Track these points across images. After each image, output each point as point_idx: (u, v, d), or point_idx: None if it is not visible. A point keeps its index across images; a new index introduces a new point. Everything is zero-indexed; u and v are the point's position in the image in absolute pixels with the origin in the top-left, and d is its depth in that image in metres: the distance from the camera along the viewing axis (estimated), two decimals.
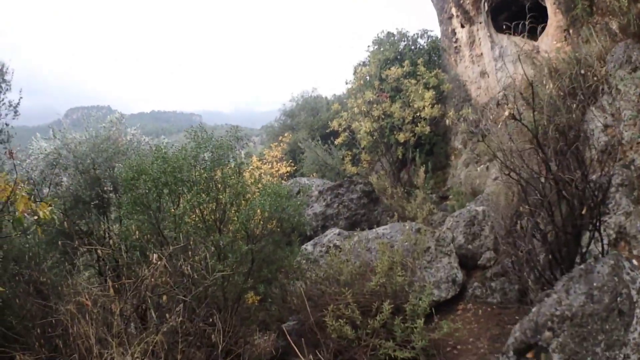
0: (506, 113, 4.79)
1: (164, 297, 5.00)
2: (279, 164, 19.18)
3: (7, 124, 7.26)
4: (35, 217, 4.54)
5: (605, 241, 6.16)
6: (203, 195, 6.77)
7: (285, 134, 22.84)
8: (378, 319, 6.41)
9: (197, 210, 6.80)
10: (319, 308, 7.19)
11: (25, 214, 4.48)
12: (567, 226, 5.58)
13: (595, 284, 4.35)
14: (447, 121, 17.43)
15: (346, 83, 20.83)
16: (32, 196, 6.24)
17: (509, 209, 6.62)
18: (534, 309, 4.48)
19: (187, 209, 6.50)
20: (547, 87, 8.09)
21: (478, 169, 15.17)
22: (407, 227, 9.21)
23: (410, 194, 14.43)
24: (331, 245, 9.36)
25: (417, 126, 16.78)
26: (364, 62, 20.71)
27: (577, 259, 5.75)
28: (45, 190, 7.73)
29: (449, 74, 18.10)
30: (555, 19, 12.29)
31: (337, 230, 10.13)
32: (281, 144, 21.78)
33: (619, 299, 4.27)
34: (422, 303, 6.65)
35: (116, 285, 4.71)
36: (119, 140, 8.64)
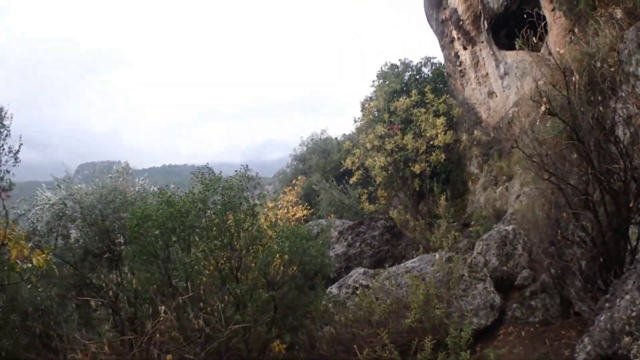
0: (542, 108, 4.37)
1: (168, 357, 4.47)
2: (294, 208, 18.73)
3: (7, 171, 6.79)
4: (30, 265, 4.15)
5: None
6: (216, 241, 6.36)
7: (299, 177, 22.51)
8: (420, 358, 5.85)
9: (210, 259, 6.37)
10: (352, 353, 6.68)
11: (18, 261, 4.10)
12: (613, 223, 5.07)
13: None
14: (461, 146, 17.08)
15: (355, 121, 20.52)
16: (36, 246, 5.83)
17: (548, 219, 6.07)
18: (601, 317, 3.93)
19: (199, 257, 6.07)
20: (574, 79, 7.63)
21: (497, 190, 14.65)
22: (438, 257, 8.69)
23: (432, 225, 13.91)
24: (357, 285, 8.89)
25: (432, 155, 16.34)
26: (370, 97, 20.45)
27: (628, 258, 5.22)
28: (52, 242, 7.38)
29: (457, 99, 17.74)
30: (555, 24, 11.98)
31: (361, 270, 9.68)
32: (295, 188, 21.43)
33: None
34: (464, 334, 6.10)
35: (118, 342, 4.26)
36: (127, 190, 8.29)
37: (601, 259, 5.23)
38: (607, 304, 3.93)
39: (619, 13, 8.28)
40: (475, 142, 16.82)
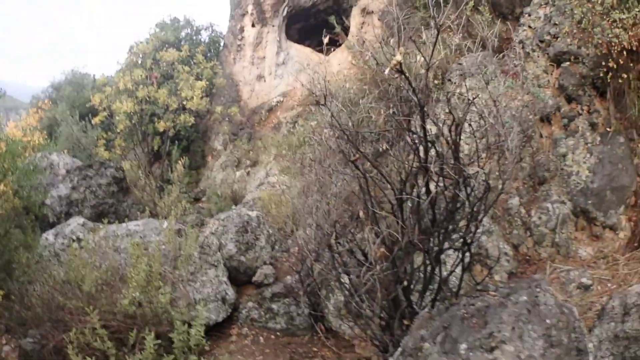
0: (394, 61, 3.29)
1: None
2: (33, 133, 15.37)
3: None
4: None
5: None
6: None
7: (45, 101, 18.91)
8: (141, 358, 4.26)
9: None
10: (62, 325, 4.82)
11: None
12: (426, 240, 4.25)
13: (549, 322, 3.09)
14: (212, 118, 15.85)
15: (118, 63, 17.85)
16: None
17: (326, 214, 4.98)
18: None
19: None
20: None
21: (237, 173, 13.74)
22: (166, 226, 7.09)
23: (162, 189, 12.31)
24: (74, 237, 6.88)
25: (180, 116, 14.72)
26: (141, 42, 18.06)
27: (432, 286, 4.45)
28: None
29: (224, 71, 16.48)
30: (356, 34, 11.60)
31: (81, 220, 7.64)
32: (39, 112, 17.97)
33: (573, 334, 3.15)
34: (195, 332, 4.71)
35: None
36: None
37: (405, 283, 4.35)
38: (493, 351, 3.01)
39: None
40: (227, 119, 15.75)
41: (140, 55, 16.80)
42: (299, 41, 15.55)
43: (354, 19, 13.21)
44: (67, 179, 10.19)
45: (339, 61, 12.72)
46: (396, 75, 3.61)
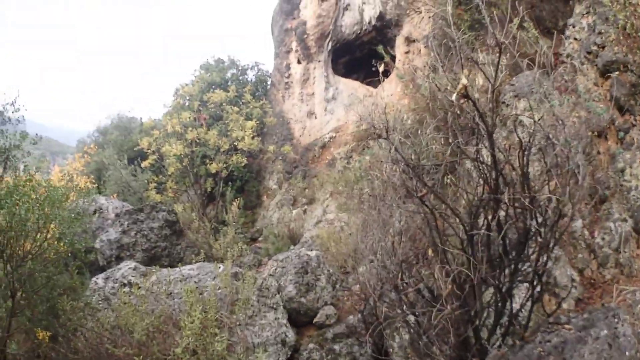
0: (460, 86, 3.06)
1: None
2: (78, 178, 15.58)
3: None
4: None
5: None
6: None
7: (92, 145, 19.27)
8: None
9: None
10: None
11: None
12: (496, 275, 3.93)
13: (628, 354, 2.90)
14: (265, 158, 15.82)
15: (165, 106, 18.13)
16: None
17: (391, 252, 4.70)
18: None
19: None
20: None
21: (294, 211, 13.58)
22: (222, 270, 6.95)
23: (217, 231, 12.24)
24: (126, 282, 6.86)
25: (232, 157, 14.71)
26: (187, 84, 18.22)
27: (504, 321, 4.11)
28: None
29: (274, 110, 16.51)
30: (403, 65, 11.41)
31: (132, 264, 7.70)
32: (85, 157, 18.32)
33: None
34: None
35: None
36: None
37: (477, 321, 4.03)
38: None
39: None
40: (280, 158, 15.71)
41: (187, 98, 16.96)
42: (346, 75, 15.47)
43: (399, 49, 13.05)
44: (116, 223, 10.27)
45: (389, 92, 12.53)
46: (462, 101, 3.36)
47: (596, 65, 7.03)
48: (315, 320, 6.71)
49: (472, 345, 4.16)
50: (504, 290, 3.97)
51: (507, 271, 3.97)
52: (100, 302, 6.82)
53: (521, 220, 3.77)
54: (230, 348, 5.38)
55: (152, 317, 5.63)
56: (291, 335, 6.31)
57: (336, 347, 6.17)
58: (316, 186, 13.38)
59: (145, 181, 16.21)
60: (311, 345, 6.32)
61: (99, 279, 7.43)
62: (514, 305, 4.16)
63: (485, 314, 4.23)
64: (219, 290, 6.42)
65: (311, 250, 8.29)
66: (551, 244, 3.93)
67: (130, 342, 5.10)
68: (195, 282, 7.02)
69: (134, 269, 7.45)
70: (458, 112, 4.20)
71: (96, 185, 16.44)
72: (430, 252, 4.11)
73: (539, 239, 3.89)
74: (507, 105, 7.80)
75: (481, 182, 3.83)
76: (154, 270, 7.42)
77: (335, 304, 6.99)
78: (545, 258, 4.02)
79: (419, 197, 3.89)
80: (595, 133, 6.87)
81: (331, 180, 12.37)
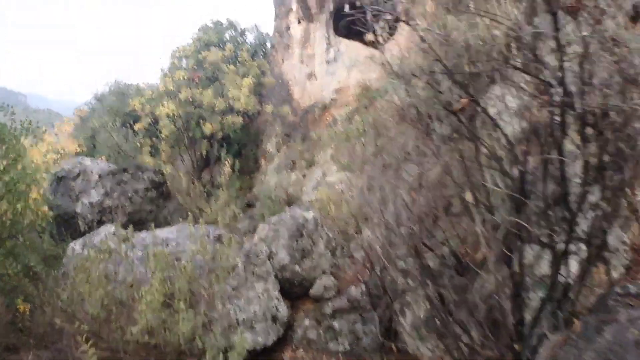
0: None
1: None
2: (66, 141, 14.65)
3: None
4: None
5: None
6: None
7: (82, 108, 18.42)
8: None
9: None
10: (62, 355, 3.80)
11: None
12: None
13: None
14: (263, 119, 14.79)
15: (161, 70, 17.05)
16: None
17: (408, 207, 3.61)
18: None
19: None
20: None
21: (292, 175, 12.56)
22: (202, 233, 5.90)
23: (210, 195, 11.26)
24: (105, 247, 5.90)
25: (228, 117, 13.65)
26: (183, 45, 17.16)
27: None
28: None
29: (273, 71, 15.39)
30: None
31: (112, 229, 6.72)
32: (75, 118, 17.50)
33: None
34: None
35: None
36: None
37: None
38: None
39: None
40: (279, 120, 14.63)
41: (183, 58, 15.94)
42: (346, 36, 14.38)
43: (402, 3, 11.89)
44: (99, 184, 9.25)
45: (398, 48, 11.40)
46: None
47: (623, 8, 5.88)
48: (311, 292, 5.63)
49: (511, 326, 3.13)
50: (559, 253, 2.92)
51: (564, 227, 2.91)
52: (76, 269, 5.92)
53: (596, 146, 2.67)
54: (207, 325, 4.38)
55: (119, 286, 4.69)
56: (283, 310, 5.27)
57: (336, 323, 5.11)
58: (316, 149, 12.33)
59: (138, 144, 15.19)
60: (307, 322, 5.28)
61: (77, 245, 6.52)
62: (569, 273, 3.09)
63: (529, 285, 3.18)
64: (198, 256, 5.44)
65: (308, 211, 7.22)
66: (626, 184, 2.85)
67: (85, 317, 4.11)
68: (173, 245, 6.09)
69: (114, 234, 6.47)
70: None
71: (84, 149, 15.51)
72: (468, 196, 2.99)
73: (609, 182, 2.81)
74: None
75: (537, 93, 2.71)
76: (133, 234, 6.46)
77: (335, 273, 5.92)
78: (610, 209, 2.97)
79: (455, 113, 2.81)
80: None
81: (332, 135, 11.26)
